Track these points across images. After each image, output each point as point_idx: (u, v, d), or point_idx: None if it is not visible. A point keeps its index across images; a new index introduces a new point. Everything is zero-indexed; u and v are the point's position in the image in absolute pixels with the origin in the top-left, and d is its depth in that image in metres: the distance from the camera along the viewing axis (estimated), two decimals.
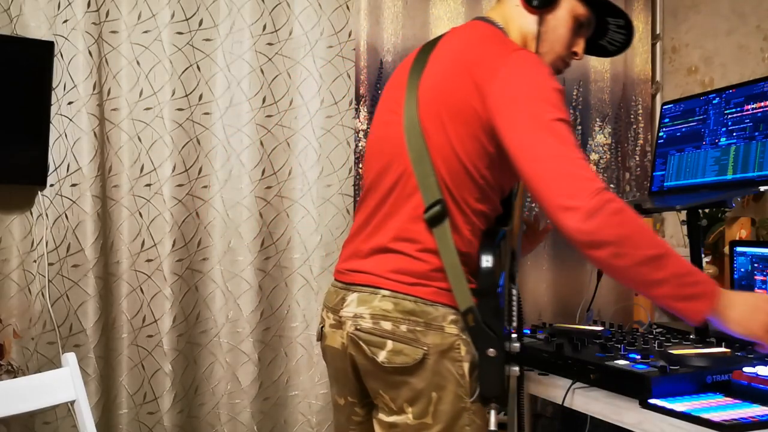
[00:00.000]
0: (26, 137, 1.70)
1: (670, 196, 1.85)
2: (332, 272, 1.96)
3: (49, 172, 1.74)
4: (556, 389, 1.35)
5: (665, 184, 1.89)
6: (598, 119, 2.41)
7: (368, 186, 1.27)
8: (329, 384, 1.32)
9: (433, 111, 1.16)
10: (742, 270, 1.70)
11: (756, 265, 1.67)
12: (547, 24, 1.26)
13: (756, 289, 1.65)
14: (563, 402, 1.30)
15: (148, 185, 1.84)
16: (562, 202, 1.03)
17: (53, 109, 1.73)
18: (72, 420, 1.71)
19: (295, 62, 1.97)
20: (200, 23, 1.88)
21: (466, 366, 1.12)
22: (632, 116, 2.46)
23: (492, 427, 1.11)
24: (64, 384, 1.33)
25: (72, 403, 1.34)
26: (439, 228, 1.13)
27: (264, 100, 1.93)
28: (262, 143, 1.93)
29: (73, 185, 1.75)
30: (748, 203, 2.05)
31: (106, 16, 1.79)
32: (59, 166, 1.74)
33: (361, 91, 2.06)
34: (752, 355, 1.38)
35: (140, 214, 1.83)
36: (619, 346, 1.46)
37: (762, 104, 1.64)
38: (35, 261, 1.73)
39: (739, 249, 1.72)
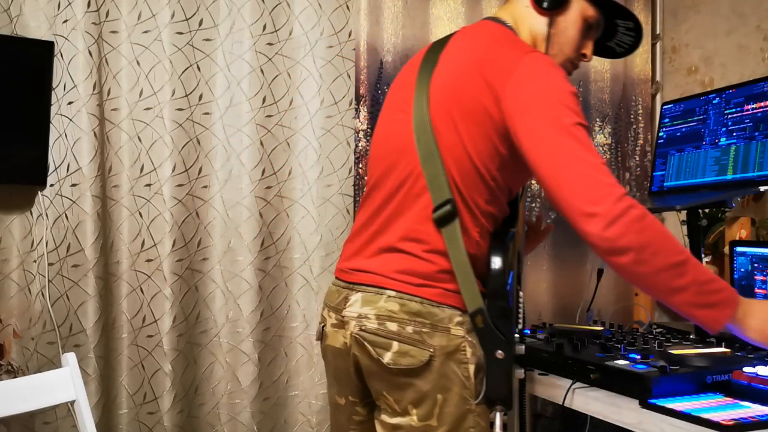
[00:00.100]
0: (26, 137, 1.70)
1: (670, 196, 1.85)
2: (332, 272, 1.96)
3: (49, 172, 1.74)
4: (556, 389, 1.35)
5: (665, 184, 1.89)
6: (598, 119, 2.41)
7: (373, 184, 1.26)
8: (327, 384, 1.32)
9: (445, 110, 1.15)
10: (742, 270, 1.70)
11: (756, 265, 1.67)
12: (558, 26, 1.26)
13: (756, 289, 1.65)
14: (563, 402, 1.30)
15: (148, 185, 1.83)
16: (585, 208, 1.03)
17: (53, 109, 1.73)
18: (72, 420, 1.71)
19: (295, 62, 1.97)
20: (200, 23, 1.88)
21: (471, 368, 1.12)
22: (632, 116, 2.46)
23: (498, 429, 1.11)
24: (64, 384, 1.33)
25: (72, 403, 1.34)
26: (447, 228, 1.12)
27: (264, 100, 1.93)
28: (262, 143, 1.93)
29: (73, 185, 1.75)
30: (748, 203, 2.05)
31: (106, 16, 1.79)
32: (59, 166, 1.74)
33: (361, 91, 2.06)
34: (752, 355, 1.38)
35: (140, 214, 1.83)
36: (619, 346, 1.46)
37: (762, 104, 1.64)
38: (35, 261, 1.73)
39: (739, 249, 1.72)
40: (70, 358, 1.35)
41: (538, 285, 2.30)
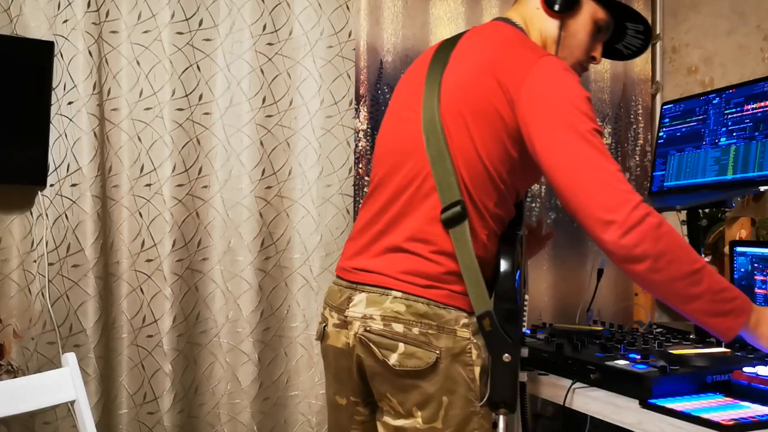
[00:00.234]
0: (26, 137, 1.70)
1: (670, 196, 1.85)
2: (332, 272, 1.96)
3: (49, 172, 1.73)
4: (556, 389, 1.35)
5: (665, 184, 1.89)
6: (598, 119, 2.41)
7: (377, 182, 1.25)
8: (326, 384, 1.31)
9: (456, 110, 1.14)
10: (742, 270, 1.70)
11: (756, 265, 1.67)
12: (568, 28, 1.26)
13: (756, 289, 1.65)
14: (563, 402, 1.30)
15: (148, 185, 1.83)
16: (602, 216, 1.03)
17: (53, 109, 1.73)
18: (72, 420, 1.71)
19: (295, 62, 1.97)
20: (200, 23, 1.88)
21: (477, 370, 1.12)
22: (632, 116, 2.46)
23: (501, 431, 1.11)
24: (64, 384, 1.33)
25: (72, 403, 1.34)
26: (456, 230, 1.11)
27: (264, 100, 1.93)
28: (262, 143, 1.93)
29: (73, 185, 1.75)
30: (748, 203, 2.05)
31: (106, 16, 1.79)
32: (59, 166, 1.74)
33: (361, 91, 2.06)
34: (752, 355, 1.38)
35: (140, 214, 1.83)
36: (619, 346, 1.46)
37: (762, 104, 1.64)
38: (35, 261, 1.73)
39: (739, 249, 1.72)
40: (70, 358, 1.35)
41: (538, 285, 2.30)
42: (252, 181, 1.91)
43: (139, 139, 1.83)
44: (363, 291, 1.16)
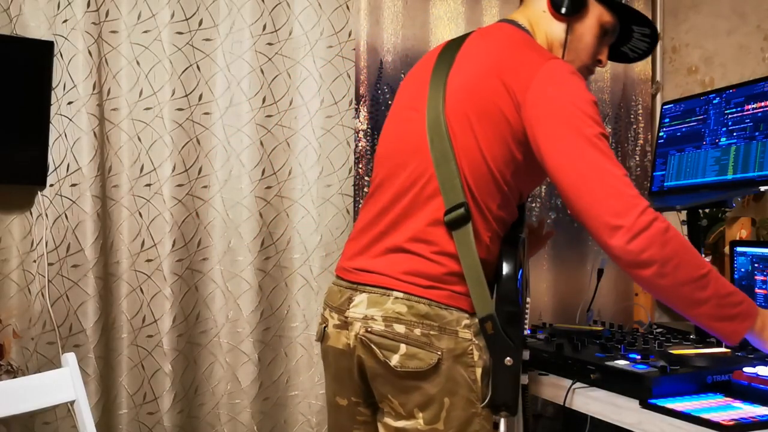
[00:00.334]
0: (26, 137, 1.70)
1: (671, 196, 1.85)
2: (332, 272, 1.96)
3: (48, 172, 1.73)
4: (556, 389, 1.35)
5: (665, 184, 1.89)
6: None
7: (378, 182, 1.24)
8: (326, 385, 1.31)
9: (461, 112, 1.14)
10: (743, 270, 1.70)
11: (756, 265, 1.67)
12: (575, 32, 1.26)
13: (756, 289, 1.65)
14: (564, 402, 1.30)
15: (148, 185, 1.83)
16: (609, 221, 1.03)
17: (53, 109, 1.73)
18: (72, 420, 1.71)
19: (295, 62, 1.97)
20: (200, 23, 1.88)
21: (478, 371, 1.11)
22: (632, 116, 2.46)
23: None
24: (64, 384, 1.33)
25: (72, 403, 1.33)
26: (459, 231, 1.11)
27: (264, 100, 1.93)
28: (262, 143, 1.93)
29: (73, 185, 1.75)
30: (749, 203, 2.05)
31: (106, 16, 1.79)
32: (59, 166, 1.74)
33: (361, 91, 2.06)
34: (752, 356, 1.38)
35: (140, 214, 1.83)
36: (619, 346, 1.46)
37: (762, 104, 1.64)
38: (35, 261, 1.73)
39: (740, 249, 1.72)
40: (69, 358, 1.35)
41: (538, 285, 2.30)
42: (252, 181, 1.91)
43: (139, 139, 1.82)
44: (364, 291, 1.16)
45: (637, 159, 2.46)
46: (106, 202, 1.80)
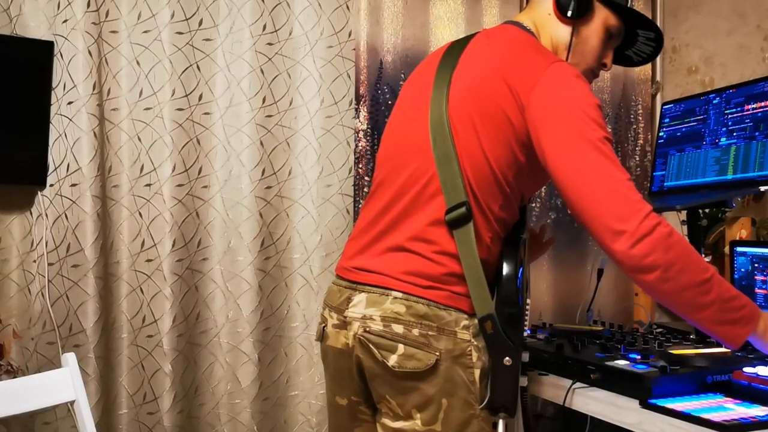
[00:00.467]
0: (26, 137, 1.70)
1: (671, 196, 1.85)
2: (332, 272, 1.96)
3: (48, 172, 1.73)
4: (556, 389, 1.35)
5: (665, 184, 1.89)
6: None
7: (380, 181, 1.24)
8: (326, 385, 1.30)
9: (465, 113, 1.14)
10: (743, 270, 1.70)
11: (756, 265, 1.67)
12: (580, 35, 1.26)
13: (756, 289, 1.65)
14: (564, 402, 1.30)
15: (148, 185, 1.83)
16: (613, 226, 1.03)
17: (53, 109, 1.73)
18: (72, 420, 1.71)
19: (295, 62, 1.97)
20: (200, 23, 1.88)
21: (477, 373, 1.11)
22: (632, 116, 2.46)
23: None
24: (64, 384, 1.33)
25: (72, 403, 1.33)
26: (460, 231, 1.11)
27: (264, 100, 1.93)
28: (262, 143, 1.93)
29: (73, 185, 1.74)
30: (749, 203, 2.05)
31: (106, 16, 1.79)
32: (59, 166, 1.74)
33: (361, 91, 2.06)
34: (752, 356, 1.38)
35: (140, 214, 1.83)
36: (619, 346, 1.46)
37: (762, 104, 1.64)
38: (35, 261, 1.73)
39: (740, 249, 1.72)
40: (69, 359, 1.35)
41: (538, 285, 2.30)
42: (252, 181, 1.91)
43: (139, 139, 1.82)
44: (363, 291, 1.16)
45: (637, 159, 2.46)
46: (106, 202, 1.80)
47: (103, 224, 1.78)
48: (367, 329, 1.12)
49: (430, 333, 1.10)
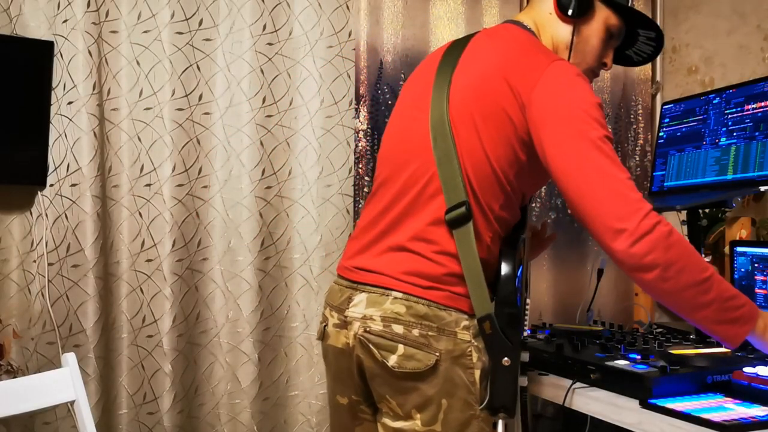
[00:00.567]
0: (26, 137, 1.70)
1: (671, 196, 1.85)
2: (333, 272, 1.97)
3: (48, 172, 1.73)
4: (556, 389, 1.35)
5: (665, 184, 1.89)
6: None
7: (381, 181, 1.24)
8: (327, 384, 1.31)
9: (466, 112, 1.14)
10: (743, 270, 1.70)
11: (756, 265, 1.67)
12: (581, 34, 1.25)
13: (756, 289, 1.65)
14: (563, 402, 1.30)
15: (148, 185, 1.83)
16: (613, 224, 1.03)
17: (53, 109, 1.73)
18: (72, 420, 1.71)
19: (295, 62, 1.97)
20: (200, 23, 1.88)
21: (477, 373, 1.11)
22: (632, 116, 2.46)
23: None
24: (64, 384, 1.33)
25: (72, 403, 1.33)
26: (460, 231, 1.11)
27: (264, 100, 1.93)
28: (262, 143, 1.93)
29: (73, 185, 1.74)
30: (749, 203, 2.05)
31: (106, 16, 1.79)
32: (59, 166, 1.74)
33: (361, 91, 2.06)
34: (752, 356, 1.38)
35: (140, 214, 1.83)
36: (619, 346, 1.46)
37: (762, 104, 1.64)
38: (35, 261, 1.73)
39: (740, 249, 1.72)
40: (69, 359, 1.35)
41: (538, 285, 2.30)
42: (252, 181, 1.91)
43: (139, 139, 1.82)
44: (363, 291, 1.16)
45: (637, 159, 2.46)
46: (106, 202, 1.80)
47: (103, 224, 1.78)
48: (368, 329, 1.12)
49: (430, 333, 1.10)
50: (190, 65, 1.87)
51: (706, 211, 2.00)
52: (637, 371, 1.23)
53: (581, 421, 1.84)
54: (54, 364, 1.72)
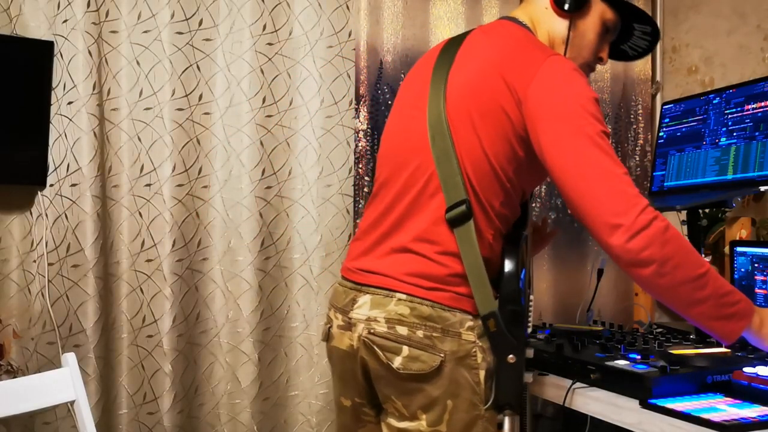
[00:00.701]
0: (26, 137, 1.70)
1: (671, 196, 1.85)
2: (333, 272, 1.97)
3: (48, 172, 1.73)
4: (556, 389, 1.35)
5: (665, 184, 1.89)
6: None
7: (382, 182, 1.24)
8: (332, 385, 1.30)
9: (464, 109, 1.13)
10: (743, 270, 1.70)
11: (756, 265, 1.67)
12: (577, 28, 1.25)
13: (756, 289, 1.65)
14: (563, 402, 1.30)
15: (148, 185, 1.83)
16: (609, 220, 1.03)
17: (53, 109, 1.73)
18: (72, 420, 1.71)
19: (295, 62, 1.97)
20: (200, 23, 1.88)
21: (481, 373, 1.11)
22: (632, 116, 2.46)
23: None
24: (64, 384, 1.33)
25: (72, 403, 1.34)
26: (461, 229, 1.10)
27: (264, 100, 1.93)
28: (262, 143, 1.93)
29: (73, 185, 1.74)
30: (749, 203, 2.05)
31: (106, 16, 1.79)
32: (59, 166, 1.74)
33: (361, 91, 2.06)
34: (752, 356, 1.38)
35: (140, 214, 1.83)
36: (619, 346, 1.46)
37: (762, 104, 1.64)
38: (35, 261, 1.73)
39: (740, 249, 1.72)
40: (69, 359, 1.35)
41: (539, 285, 2.30)
42: (252, 181, 1.91)
43: (139, 139, 1.82)
44: (367, 293, 1.16)
45: (637, 159, 2.46)
46: (106, 202, 1.80)
47: (103, 224, 1.78)
48: (372, 331, 1.12)
49: (434, 334, 1.10)
50: (190, 65, 1.87)
51: (706, 211, 2.00)
52: (637, 371, 1.23)
53: (581, 421, 1.84)
54: (54, 364, 1.72)
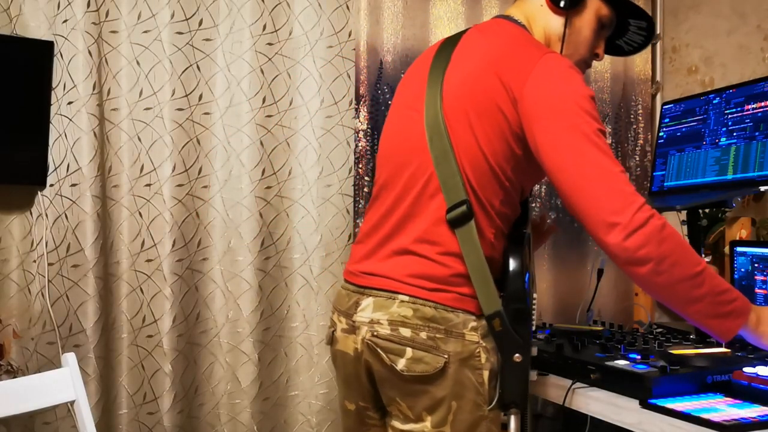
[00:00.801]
0: (26, 137, 1.70)
1: (671, 196, 1.85)
2: (333, 272, 1.97)
3: (48, 172, 1.73)
4: (556, 389, 1.35)
5: (665, 184, 1.89)
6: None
7: (382, 184, 1.24)
8: (337, 388, 1.30)
9: (460, 109, 1.13)
10: (743, 270, 1.70)
11: (756, 265, 1.67)
12: (573, 26, 1.25)
13: (756, 289, 1.65)
14: (563, 402, 1.30)
15: (148, 185, 1.83)
16: (606, 218, 1.03)
17: (53, 109, 1.73)
18: (72, 420, 1.71)
19: (295, 62, 1.97)
20: (200, 23, 1.88)
21: (485, 374, 1.11)
22: (632, 116, 2.46)
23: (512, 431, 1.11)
24: (64, 384, 1.33)
25: (72, 403, 1.34)
26: (462, 229, 1.10)
27: (264, 100, 1.93)
28: (262, 143, 1.93)
29: (73, 185, 1.74)
30: (749, 203, 2.05)
31: (106, 16, 1.79)
32: (59, 166, 1.74)
33: (361, 91, 2.06)
34: (752, 355, 1.38)
35: (140, 214, 1.83)
36: (619, 346, 1.46)
37: (762, 104, 1.64)
38: (35, 261, 1.73)
39: (740, 249, 1.72)
40: (69, 359, 1.35)
41: (539, 285, 2.30)
42: (252, 181, 1.91)
43: (139, 139, 1.82)
44: (370, 295, 1.15)
45: (637, 159, 2.46)
46: (106, 202, 1.79)
47: (103, 224, 1.78)
48: (375, 333, 1.12)
49: (437, 336, 1.09)
50: (190, 65, 1.87)
51: (706, 211, 2.00)
52: (637, 371, 1.23)
53: (581, 421, 1.84)
54: (54, 364, 1.71)
